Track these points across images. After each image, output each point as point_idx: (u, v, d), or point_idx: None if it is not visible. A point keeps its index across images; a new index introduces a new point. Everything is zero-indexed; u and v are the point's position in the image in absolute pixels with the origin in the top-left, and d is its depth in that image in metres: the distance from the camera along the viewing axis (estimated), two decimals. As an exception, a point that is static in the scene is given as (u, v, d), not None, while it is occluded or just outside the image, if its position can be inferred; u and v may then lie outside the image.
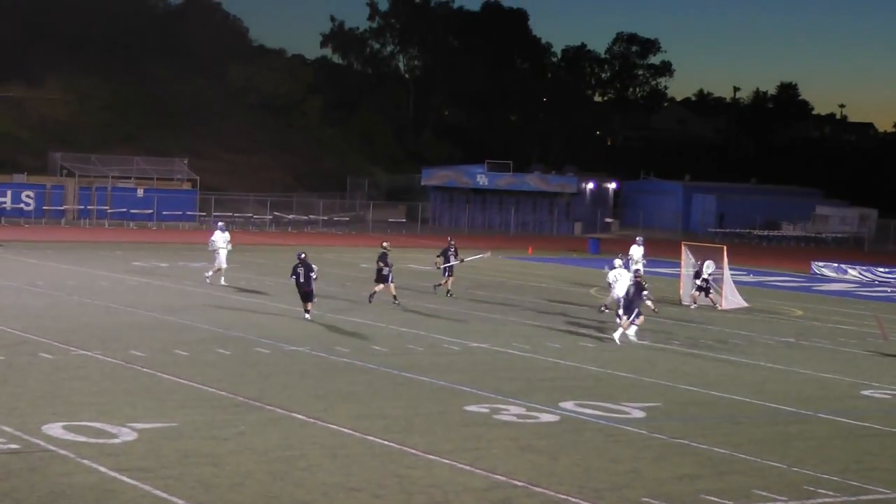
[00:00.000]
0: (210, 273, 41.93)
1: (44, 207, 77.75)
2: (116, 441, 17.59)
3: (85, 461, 16.30)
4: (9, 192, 74.97)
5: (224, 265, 42.19)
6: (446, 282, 42.24)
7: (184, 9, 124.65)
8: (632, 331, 31.22)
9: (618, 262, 36.43)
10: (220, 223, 45.17)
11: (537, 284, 47.92)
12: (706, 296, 42.37)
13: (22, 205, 72.66)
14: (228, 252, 42.62)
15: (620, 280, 34.41)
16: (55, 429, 18.06)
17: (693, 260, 43.82)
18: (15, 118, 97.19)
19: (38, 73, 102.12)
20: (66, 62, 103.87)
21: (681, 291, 43.88)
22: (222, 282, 41.48)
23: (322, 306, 34.99)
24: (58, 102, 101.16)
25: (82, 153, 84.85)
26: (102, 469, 15.95)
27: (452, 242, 43.17)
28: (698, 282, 42.33)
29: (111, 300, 35.60)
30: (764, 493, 16.43)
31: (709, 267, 42.36)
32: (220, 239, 42.51)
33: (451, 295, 41.30)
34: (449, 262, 42.24)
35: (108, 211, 79.56)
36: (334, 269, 50.34)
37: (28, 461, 16.19)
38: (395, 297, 37.56)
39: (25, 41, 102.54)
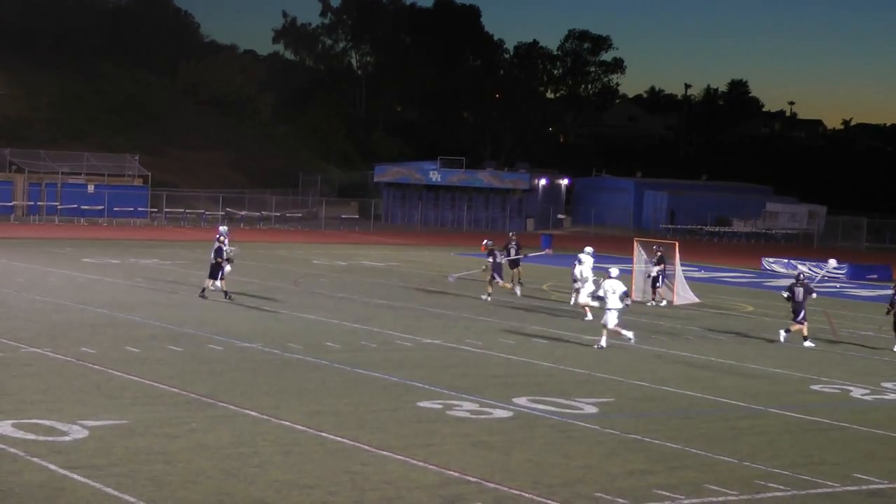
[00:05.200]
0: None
1: (-8, 204, 77.11)
2: (67, 439, 17.44)
3: (34, 459, 16.16)
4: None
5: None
6: (514, 275, 43.61)
7: (134, 4, 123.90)
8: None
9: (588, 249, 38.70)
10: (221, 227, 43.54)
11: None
12: (654, 290, 42.55)
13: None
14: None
15: (584, 265, 37.39)
16: (4, 426, 17.89)
17: (645, 256, 43.98)
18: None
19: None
20: (15, 58, 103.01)
21: (632, 287, 44.01)
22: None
23: (274, 303, 34.85)
24: (6, 98, 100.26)
25: (32, 149, 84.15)
26: (52, 467, 15.82)
27: (514, 238, 45.45)
28: (653, 273, 42.50)
29: (61, 297, 35.32)
30: (715, 488, 16.51)
31: (652, 263, 42.67)
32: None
33: (522, 284, 43.42)
34: (511, 256, 43.71)
35: (59, 207, 78.95)
36: (287, 266, 50.19)
37: (-23, 459, 16.04)
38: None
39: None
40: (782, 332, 33.23)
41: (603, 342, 29.77)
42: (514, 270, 43.92)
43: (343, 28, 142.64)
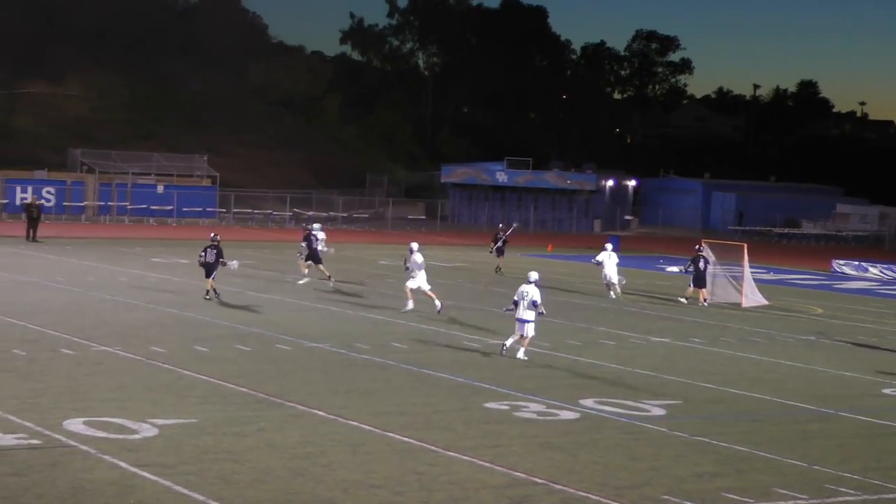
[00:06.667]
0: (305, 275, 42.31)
1: (64, 203, 77.79)
2: (137, 437, 17.61)
3: (106, 457, 16.33)
4: (29, 189, 74.96)
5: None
6: (499, 262, 50.03)
7: (203, 5, 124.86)
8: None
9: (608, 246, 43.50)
10: (315, 224, 45.18)
11: (556, 282, 47.83)
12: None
13: (42, 201, 72.59)
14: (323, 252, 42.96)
15: (608, 261, 42.65)
16: (76, 424, 18.10)
17: (713, 258, 43.74)
18: (36, 115, 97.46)
19: (59, 70, 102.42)
20: (87, 59, 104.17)
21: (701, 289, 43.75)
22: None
23: (341, 303, 35.00)
24: (78, 99, 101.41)
25: (102, 150, 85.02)
26: (123, 465, 15.98)
27: (503, 228, 51.47)
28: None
29: (131, 296, 35.67)
30: (784, 492, 16.38)
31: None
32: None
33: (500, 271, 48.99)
34: (498, 244, 49.90)
35: (128, 207, 79.66)
36: (354, 266, 50.35)
37: (49, 456, 16.23)
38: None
39: (46, 39, 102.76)
40: None
41: (508, 342, 27.27)
42: (499, 258, 49.97)
43: (410, 29, 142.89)
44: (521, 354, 26.90)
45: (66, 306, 32.66)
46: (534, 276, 27.46)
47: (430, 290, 34.92)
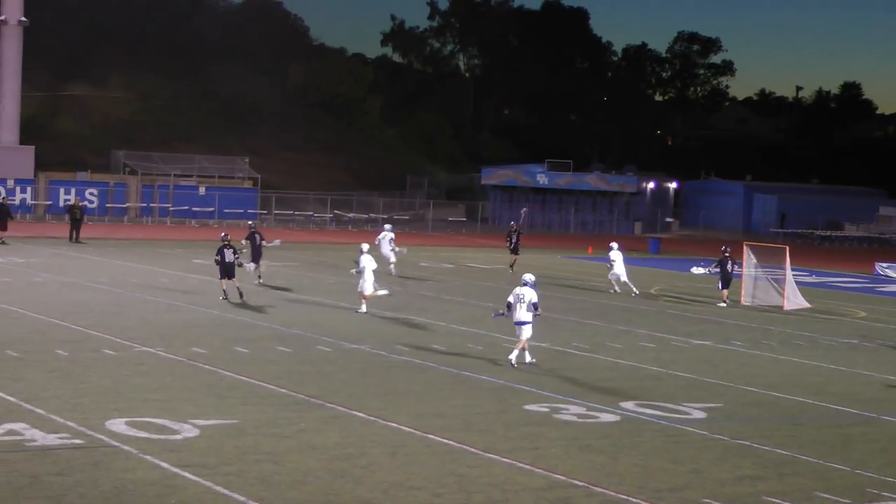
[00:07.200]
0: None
1: (107, 205, 78.33)
2: (178, 437, 17.71)
3: (147, 457, 16.43)
4: (73, 190, 75.52)
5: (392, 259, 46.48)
6: (512, 260, 50.83)
7: (244, 8, 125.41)
8: None
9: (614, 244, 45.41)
10: (386, 224, 49.44)
11: (596, 284, 47.75)
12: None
13: (85, 202, 73.11)
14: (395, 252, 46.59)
15: (617, 260, 44.44)
16: (118, 424, 18.21)
17: (755, 260, 43.56)
18: (79, 117, 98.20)
19: (102, 73, 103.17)
20: (129, 62, 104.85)
21: (742, 291, 43.60)
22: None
23: (382, 304, 35.07)
24: (121, 101, 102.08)
25: (145, 151, 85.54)
26: (164, 465, 16.08)
27: (514, 228, 51.81)
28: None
29: (172, 297, 35.85)
30: (826, 496, 16.29)
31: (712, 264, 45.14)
32: (386, 240, 46.90)
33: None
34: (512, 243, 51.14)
35: (170, 209, 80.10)
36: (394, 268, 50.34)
37: (92, 456, 16.34)
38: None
39: (89, 42, 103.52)
40: None
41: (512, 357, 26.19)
42: (513, 256, 51.09)
43: (451, 31, 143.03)
44: (528, 358, 26.18)
45: (108, 307, 32.86)
46: (529, 277, 26.80)
47: (371, 293, 34.49)
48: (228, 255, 35.56)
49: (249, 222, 48.08)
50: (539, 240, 75.78)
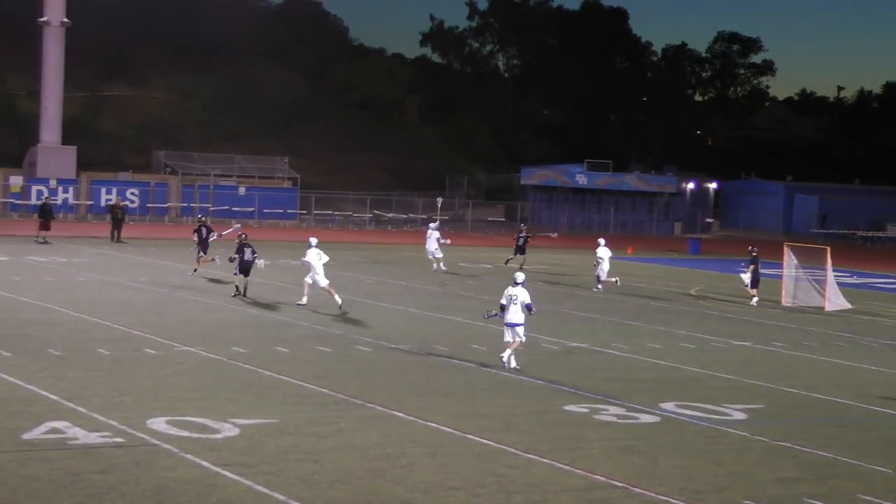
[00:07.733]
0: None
1: (147, 205, 78.78)
2: (218, 436, 17.77)
3: (188, 456, 16.50)
4: (114, 190, 76.00)
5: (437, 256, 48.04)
6: (520, 260, 50.28)
7: (284, 8, 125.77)
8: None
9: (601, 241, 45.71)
10: (432, 223, 50.69)
11: (637, 284, 47.63)
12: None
13: (126, 202, 73.56)
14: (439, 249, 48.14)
15: (605, 258, 44.75)
16: (159, 423, 18.30)
17: (795, 261, 43.37)
18: (120, 117, 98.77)
19: (142, 74, 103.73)
20: (169, 62, 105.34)
21: (782, 292, 43.40)
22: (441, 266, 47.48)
23: (422, 304, 35.09)
24: (161, 102, 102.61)
25: (185, 151, 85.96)
26: (205, 464, 16.14)
27: (524, 228, 52.45)
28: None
29: (213, 297, 36.00)
30: (868, 498, 16.19)
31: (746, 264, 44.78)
32: (433, 238, 48.33)
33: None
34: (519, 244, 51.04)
35: (210, 209, 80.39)
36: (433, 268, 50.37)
37: (133, 455, 16.42)
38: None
39: (129, 43, 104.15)
40: None
41: (504, 356, 25.56)
42: (521, 256, 50.57)
43: (490, 31, 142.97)
44: (512, 363, 25.30)
45: (149, 307, 33.03)
46: (521, 277, 26.30)
47: (329, 285, 34.45)
48: (247, 254, 36.08)
49: (199, 216, 49.76)
50: (578, 240, 75.57)
